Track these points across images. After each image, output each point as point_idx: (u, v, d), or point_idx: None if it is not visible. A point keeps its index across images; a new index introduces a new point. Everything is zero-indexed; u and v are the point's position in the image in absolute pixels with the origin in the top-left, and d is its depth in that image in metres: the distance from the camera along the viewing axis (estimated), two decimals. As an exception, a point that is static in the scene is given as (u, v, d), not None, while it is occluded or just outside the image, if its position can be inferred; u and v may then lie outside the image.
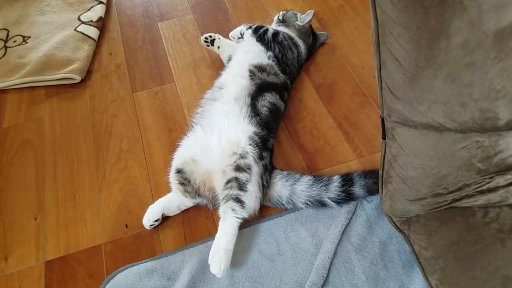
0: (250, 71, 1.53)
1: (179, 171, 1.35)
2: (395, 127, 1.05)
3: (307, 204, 1.32)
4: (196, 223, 1.36)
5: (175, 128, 1.64)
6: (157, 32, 2.08)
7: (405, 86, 0.90)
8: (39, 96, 1.83)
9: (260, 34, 1.65)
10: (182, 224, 1.36)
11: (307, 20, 1.75)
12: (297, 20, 1.77)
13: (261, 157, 1.32)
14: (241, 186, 1.24)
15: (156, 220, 1.33)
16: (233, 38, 1.76)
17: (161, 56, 1.95)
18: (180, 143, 1.43)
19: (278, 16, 1.82)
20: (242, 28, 1.74)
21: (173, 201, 1.36)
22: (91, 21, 2.10)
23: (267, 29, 1.68)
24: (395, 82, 0.93)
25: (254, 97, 1.46)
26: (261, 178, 1.30)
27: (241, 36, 1.72)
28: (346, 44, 1.89)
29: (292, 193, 1.32)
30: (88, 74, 1.90)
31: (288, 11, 1.82)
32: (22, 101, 1.82)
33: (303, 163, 1.49)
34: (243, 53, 1.63)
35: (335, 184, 1.31)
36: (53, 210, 1.44)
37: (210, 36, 1.78)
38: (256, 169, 1.29)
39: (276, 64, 1.59)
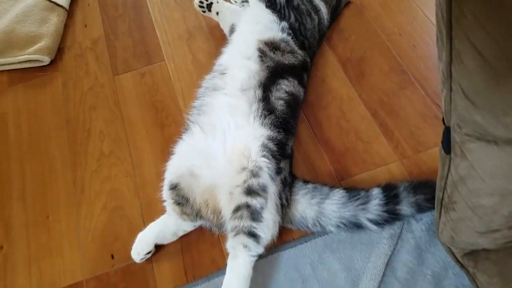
0: (260, 50, 1.18)
1: (174, 187, 1.06)
2: (466, 141, 0.79)
3: (339, 226, 1.03)
4: (199, 252, 1.09)
5: (168, 122, 1.33)
6: (141, -6, 1.71)
7: (489, 90, 0.67)
8: (0, 85, 1.50)
9: None
10: (182, 253, 1.09)
11: None
12: None
13: (278, 171, 1.02)
14: (255, 216, 0.94)
15: (147, 253, 1.06)
16: (236, 1, 1.39)
17: (147, 26, 1.59)
18: (174, 148, 1.13)
19: None
20: None
21: (168, 226, 1.08)
22: (60, -17, 1.71)
23: None
24: (474, 84, 0.68)
25: (267, 87, 1.12)
26: (280, 197, 1.01)
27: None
28: (377, 3, 1.51)
29: (320, 214, 1.03)
30: (59, 53, 1.56)
31: None
32: (-20, 91, 1.50)
33: (330, 166, 1.19)
34: (249, 25, 1.27)
35: (376, 201, 1.02)
36: (22, 236, 1.17)
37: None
38: (273, 189, 0.99)
39: (292, 38, 1.24)
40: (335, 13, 1.45)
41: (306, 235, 1.08)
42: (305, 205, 1.04)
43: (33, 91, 1.47)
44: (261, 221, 0.95)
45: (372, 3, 1.51)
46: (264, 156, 1.01)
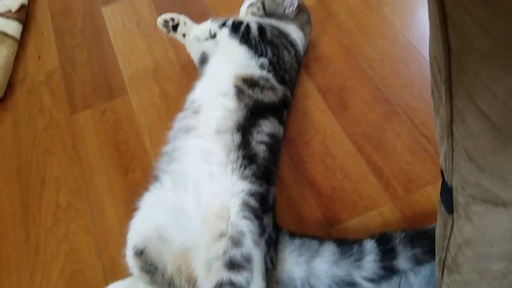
0: (237, 87, 1.05)
1: (140, 254, 0.90)
2: (471, 203, 0.69)
3: (330, 287, 0.91)
4: (174, 321, 0.95)
5: (133, 167, 1.18)
6: (101, 20, 1.55)
7: (498, 154, 0.58)
8: None
9: (242, 33, 1.16)
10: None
11: (296, 1, 1.28)
12: (283, 8, 1.28)
13: (262, 232, 0.88)
14: None
15: None
16: (199, 40, 1.24)
17: (108, 56, 1.44)
18: (139, 202, 0.98)
19: (255, 13, 1.29)
20: (211, 25, 1.22)
21: None
22: (10, 11, 1.54)
23: (248, 25, 1.18)
24: (480, 147, 0.59)
25: (246, 129, 0.99)
26: (265, 261, 0.88)
27: (212, 36, 1.21)
28: (355, 27, 1.42)
29: (309, 274, 0.90)
30: (9, 89, 1.39)
31: (263, 0, 1.30)
32: None
33: (317, 212, 1.07)
34: (223, 60, 1.14)
35: (371, 257, 0.90)
36: (-36, 311, 1.00)
37: (173, 19, 1.26)
38: (258, 255, 0.85)
39: (272, 74, 1.12)
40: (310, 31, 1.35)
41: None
42: (292, 264, 0.91)
43: (-22, 134, 1.29)
44: None
45: (351, 28, 1.42)
46: (245, 217, 0.86)
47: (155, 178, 0.99)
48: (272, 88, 1.09)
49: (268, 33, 1.18)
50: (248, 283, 0.80)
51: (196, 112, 1.05)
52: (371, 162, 1.14)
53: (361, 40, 1.38)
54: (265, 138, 1.00)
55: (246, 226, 0.85)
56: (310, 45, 1.38)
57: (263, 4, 1.29)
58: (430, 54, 0.63)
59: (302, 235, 0.96)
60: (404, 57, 1.33)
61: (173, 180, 0.96)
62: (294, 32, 1.26)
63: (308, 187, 1.11)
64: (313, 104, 1.26)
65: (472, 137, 0.59)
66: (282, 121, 1.10)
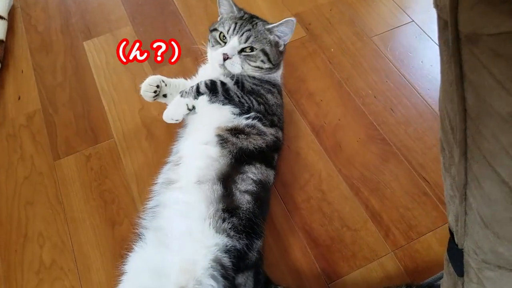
0: (219, 136, 0.99)
1: None
2: (484, 268, 0.65)
3: None
4: None
5: (120, 218, 1.11)
6: (83, 56, 1.48)
7: None
8: None
9: (222, 94, 1.05)
10: None
11: (289, 34, 1.11)
12: (276, 50, 1.11)
13: None
14: None
15: None
16: (176, 120, 1.10)
17: (92, 96, 1.37)
18: (124, 266, 0.91)
19: (258, 64, 1.09)
20: (185, 101, 1.07)
21: None
22: (-14, 48, 1.47)
23: (223, 82, 1.07)
24: (498, 215, 0.54)
25: (230, 177, 0.93)
26: None
27: (191, 109, 1.09)
28: (347, 61, 1.38)
29: None
30: (-13, 133, 1.31)
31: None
32: None
33: (315, 265, 1.02)
34: (205, 117, 1.06)
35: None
36: None
37: (158, 86, 1.13)
38: None
39: (259, 120, 1.04)
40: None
41: None
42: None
43: (-46, 185, 1.21)
44: None
45: (343, 62, 1.37)
46: (211, 276, 0.80)
47: (139, 236, 0.93)
48: (259, 134, 1.02)
49: (246, 84, 1.08)
50: None
51: (177, 164, 1.00)
52: (369, 207, 1.09)
53: (354, 74, 1.34)
54: (250, 187, 0.93)
55: (210, 286, 0.80)
56: (301, 80, 1.34)
57: (266, 55, 1.09)
58: (440, 109, 0.58)
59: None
60: (398, 92, 1.29)
61: (156, 237, 0.91)
62: (272, 74, 1.14)
63: (305, 237, 1.06)
64: (307, 144, 1.21)
65: (489, 204, 0.54)
66: (272, 165, 1.04)
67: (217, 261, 0.83)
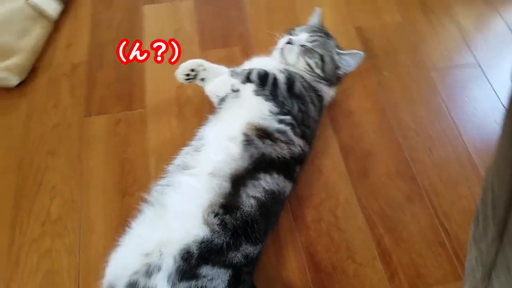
0: (246, 135, 0.95)
1: None
2: None
3: None
4: None
5: (131, 191, 1.08)
6: (139, 19, 1.45)
7: None
8: (-46, 102, 1.25)
9: (270, 90, 1.02)
10: None
11: (352, 68, 1.12)
12: (335, 69, 1.11)
13: (186, 278, 0.79)
14: None
15: None
16: (218, 96, 1.11)
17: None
18: (121, 238, 0.89)
19: (312, 66, 1.10)
20: (232, 80, 1.06)
21: None
22: (51, -11, 1.45)
23: (275, 78, 1.04)
24: None
25: (241, 179, 0.89)
26: None
27: (234, 91, 1.07)
28: (397, 88, 1.28)
29: None
30: (31, 73, 1.30)
31: (323, 56, 1.09)
32: None
33: (311, 286, 0.96)
34: (239, 107, 1.03)
35: None
36: None
37: (193, 70, 1.12)
38: None
39: (292, 128, 0.99)
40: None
41: None
42: None
43: (-11, 118, 1.22)
44: None
45: (393, 88, 1.27)
46: (173, 257, 0.80)
47: (140, 211, 0.92)
48: (287, 143, 0.97)
49: (297, 86, 1.05)
50: None
51: (197, 150, 0.97)
52: (381, 245, 1.02)
53: (401, 104, 1.24)
54: (259, 195, 0.89)
55: (166, 265, 0.80)
56: (344, 96, 1.26)
57: (322, 62, 1.10)
58: (486, 180, 0.52)
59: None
60: (442, 134, 1.19)
61: (156, 214, 0.89)
62: (323, 85, 1.12)
63: (307, 258, 1.00)
64: (332, 164, 1.14)
65: None
66: (292, 178, 0.98)
67: (186, 249, 0.81)
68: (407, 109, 1.23)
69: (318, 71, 1.09)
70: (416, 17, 1.44)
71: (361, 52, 1.09)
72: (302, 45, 1.09)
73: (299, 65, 1.10)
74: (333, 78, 1.12)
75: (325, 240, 1.02)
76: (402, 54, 1.35)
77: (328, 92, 1.13)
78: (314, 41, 1.10)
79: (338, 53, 1.11)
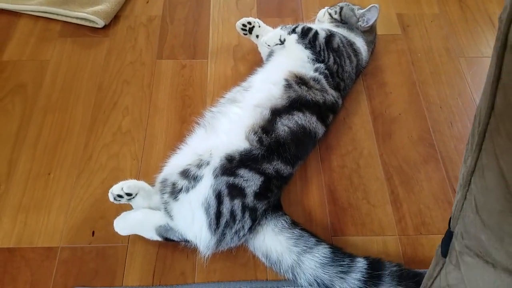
0: (287, 80, 1.09)
1: (163, 182, 0.99)
2: (465, 253, 0.67)
3: (310, 285, 0.92)
4: (173, 260, 0.99)
5: (190, 120, 1.23)
6: (207, -13, 1.60)
7: (503, 215, 0.56)
8: (52, 32, 1.44)
9: (310, 39, 1.17)
10: (156, 257, 1.00)
11: (372, 20, 1.26)
12: (357, 19, 1.28)
13: (228, 174, 0.94)
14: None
15: (127, 195, 0.97)
16: (269, 45, 1.24)
17: (203, 21, 1.50)
18: (179, 146, 1.06)
19: (332, 14, 1.31)
20: (281, 32, 1.22)
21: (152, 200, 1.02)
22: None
23: (317, 32, 1.18)
24: (489, 204, 0.58)
25: (279, 112, 1.04)
26: (217, 194, 0.93)
27: (282, 42, 1.22)
28: (428, 68, 1.37)
29: (296, 265, 0.92)
30: (114, 20, 1.48)
31: (343, 6, 1.30)
32: (33, 32, 1.44)
33: (327, 217, 1.07)
34: (283, 57, 1.18)
35: (357, 275, 0.89)
36: (21, 183, 1.11)
37: (249, 23, 1.29)
38: (207, 182, 0.93)
39: (325, 78, 1.13)
40: (372, 51, 1.35)
41: (279, 279, 0.97)
42: (285, 250, 0.93)
43: (79, 49, 1.40)
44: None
45: (424, 66, 1.36)
46: (219, 158, 0.96)
47: (194, 129, 1.10)
48: (321, 90, 1.11)
49: (335, 41, 1.19)
50: (187, 189, 0.94)
51: (246, 89, 1.13)
52: (394, 193, 1.11)
53: (429, 81, 1.33)
54: (292, 125, 1.03)
55: (213, 162, 0.95)
56: (380, 70, 1.36)
57: (341, 8, 1.31)
58: (477, 107, 0.60)
59: (303, 228, 0.96)
60: (463, 111, 1.27)
61: (206, 132, 1.06)
62: (360, 43, 1.26)
63: (328, 193, 1.11)
64: (361, 123, 1.24)
65: (485, 192, 0.57)
66: (324, 122, 1.12)
67: (231, 153, 0.97)
68: (434, 87, 1.32)
69: (337, 16, 1.29)
70: (452, 10, 1.52)
71: (376, 5, 1.24)
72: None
73: (325, 18, 1.30)
74: (357, 26, 1.28)
75: (345, 182, 1.13)
76: (436, 41, 1.43)
77: (364, 51, 1.26)
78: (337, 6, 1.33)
79: (358, 9, 1.29)
